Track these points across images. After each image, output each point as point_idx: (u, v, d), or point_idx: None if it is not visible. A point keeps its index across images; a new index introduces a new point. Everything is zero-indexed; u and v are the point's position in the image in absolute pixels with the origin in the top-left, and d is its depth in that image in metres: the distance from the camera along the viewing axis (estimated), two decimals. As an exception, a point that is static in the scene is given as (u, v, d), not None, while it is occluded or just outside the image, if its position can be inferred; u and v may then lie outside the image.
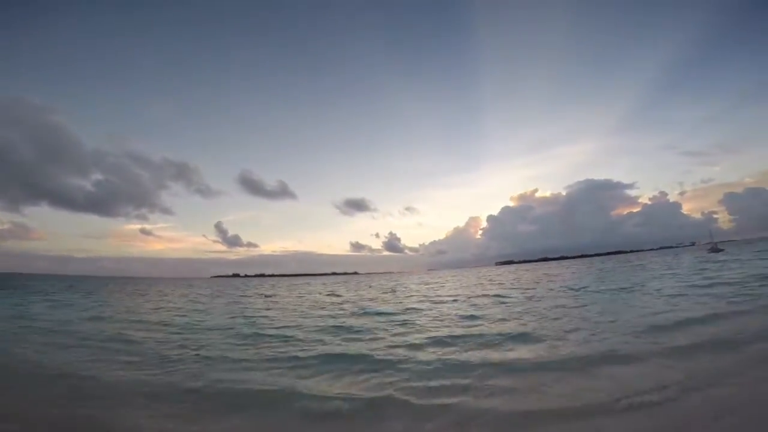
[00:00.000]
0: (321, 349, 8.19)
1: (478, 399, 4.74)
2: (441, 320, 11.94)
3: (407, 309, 15.44)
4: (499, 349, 7.29)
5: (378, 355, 7.33)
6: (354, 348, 8.17)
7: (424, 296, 22.41)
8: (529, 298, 16.74)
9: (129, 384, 6.09)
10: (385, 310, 15.11)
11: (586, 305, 13.04)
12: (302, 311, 16.41)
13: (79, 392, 5.68)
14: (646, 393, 4.45)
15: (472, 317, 11.76)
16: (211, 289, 42.23)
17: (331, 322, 12.42)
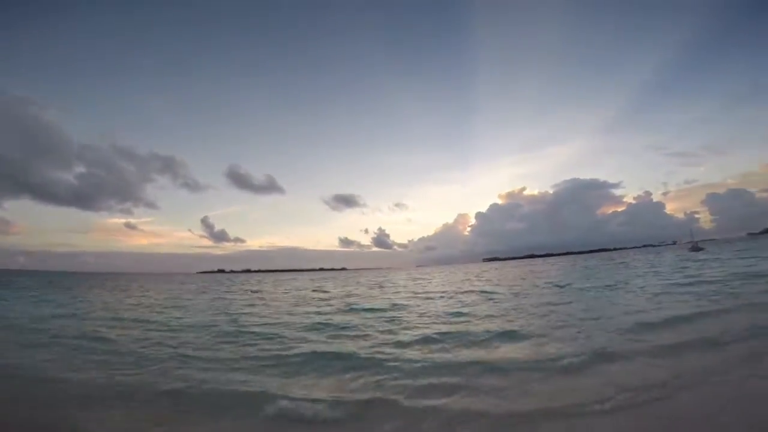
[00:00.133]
0: (306, 347, 7.98)
1: (467, 400, 4.61)
2: (429, 316, 11.86)
3: (395, 305, 15.32)
4: (487, 348, 7.22)
5: (365, 353, 7.17)
6: (340, 346, 7.99)
7: (412, 292, 22.36)
8: (516, 295, 16.83)
9: (102, 385, 5.79)
10: (372, 307, 14.96)
11: (571, 302, 13.14)
12: (288, 308, 16.14)
13: (49, 394, 5.39)
14: (634, 392, 4.41)
15: (460, 314, 11.71)
16: (195, 285, 41.49)
17: (318, 318, 12.21)
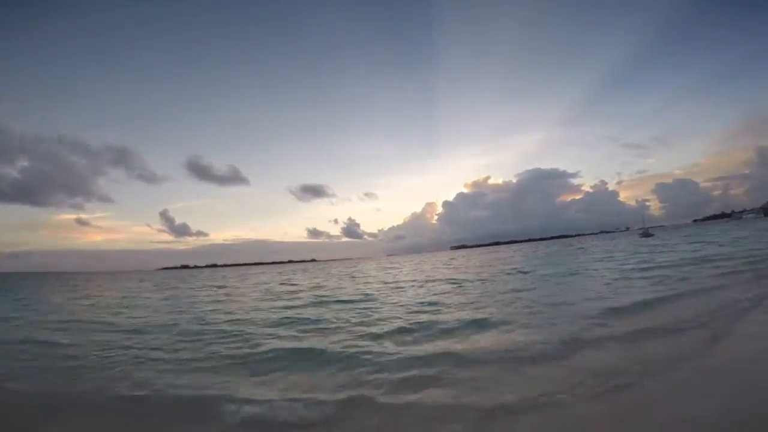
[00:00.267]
0: (275, 344, 7.69)
1: (445, 394, 4.55)
2: (401, 306, 11.86)
3: (367, 296, 15.23)
4: (460, 337, 7.25)
5: (338, 348, 6.98)
6: (312, 341, 7.76)
7: (383, 282, 22.38)
8: (483, 282, 17.25)
9: (51, 394, 5.33)
10: (343, 298, 14.79)
11: (536, 288, 13.63)
12: (255, 303, 15.63)
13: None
14: (603, 379, 4.49)
15: (431, 303, 11.78)
16: (156, 282, 39.48)
17: (287, 313, 11.88)
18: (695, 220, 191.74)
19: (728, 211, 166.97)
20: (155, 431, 4.30)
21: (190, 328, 9.88)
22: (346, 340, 7.73)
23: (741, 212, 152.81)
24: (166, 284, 35.55)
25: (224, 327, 9.88)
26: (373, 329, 8.52)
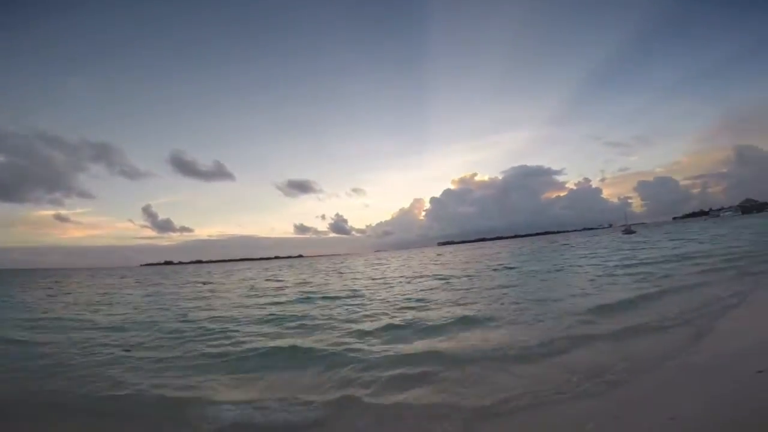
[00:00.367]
0: (260, 342, 7.50)
1: (434, 394, 4.45)
2: (388, 302, 11.79)
3: (354, 292, 15.11)
4: (448, 335, 7.16)
5: (322, 346, 6.83)
6: (298, 339, 7.58)
7: (371, 278, 22.29)
8: (470, 278, 17.31)
9: (24, 396, 5.04)
10: (330, 295, 14.63)
11: (522, 285, 13.72)
12: (240, 299, 15.33)
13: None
14: (592, 378, 4.47)
15: (419, 300, 11.73)
16: (138, 279, 38.53)
17: (271, 310, 11.66)
18: (675, 218, 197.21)
19: (707, 209, 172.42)
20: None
21: (172, 326, 9.60)
22: (332, 337, 7.58)
23: (719, 210, 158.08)
24: (148, 280, 34.74)
25: (207, 324, 9.63)
26: (361, 327, 8.40)
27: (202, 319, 10.49)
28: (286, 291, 17.93)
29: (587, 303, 9.02)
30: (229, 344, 7.46)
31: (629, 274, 13.73)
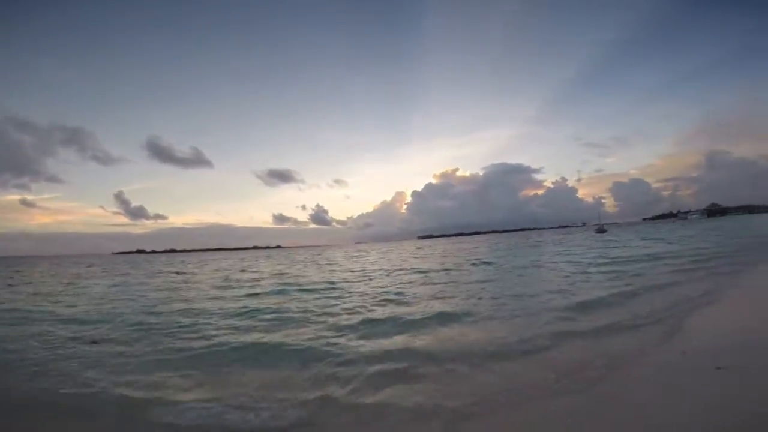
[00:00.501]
0: (232, 336, 7.21)
1: (415, 393, 4.32)
2: (367, 295, 11.65)
3: (332, 285, 14.90)
4: (426, 331, 7.07)
5: (298, 341, 6.60)
6: (273, 334, 7.33)
7: (350, 270, 22.13)
8: (448, 272, 17.41)
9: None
10: (307, 287, 14.36)
11: (500, 280, 13.91)
12: (214, 291, 14.84)
13: None
14: (572, 375, 4.47)
15: (398, 293, 11.64)
16: (106, 268, 36.96)
17: (246, 302, 11.32)
18: (645, 219, 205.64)
19: (675, 211, 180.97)
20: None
21: (141, 319, 9.11)
22: (309, 333, 7.35)
23: (687, 213, 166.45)
24: (116, 270, 33.38)
25: (177, 318, 9.22)
26: (339, 321, 8.22)
27: (172, 312, 10.04)
28: (262, 282, 17.53)
29: (563, 299, 9.18)
30: (198, 338, 7.13)
31: (602, 272, 14.09)
